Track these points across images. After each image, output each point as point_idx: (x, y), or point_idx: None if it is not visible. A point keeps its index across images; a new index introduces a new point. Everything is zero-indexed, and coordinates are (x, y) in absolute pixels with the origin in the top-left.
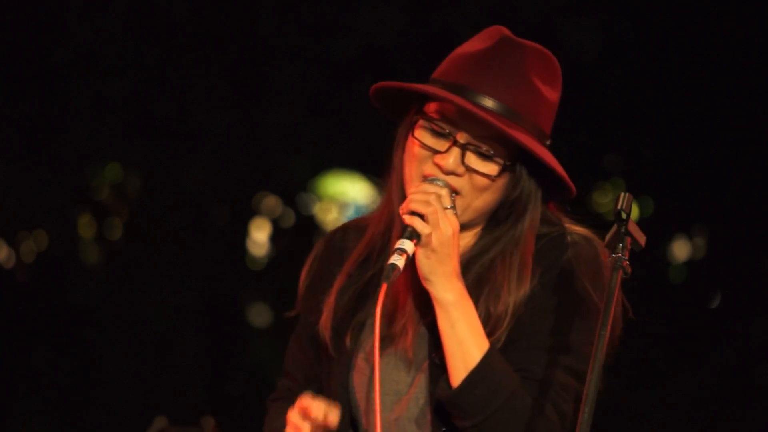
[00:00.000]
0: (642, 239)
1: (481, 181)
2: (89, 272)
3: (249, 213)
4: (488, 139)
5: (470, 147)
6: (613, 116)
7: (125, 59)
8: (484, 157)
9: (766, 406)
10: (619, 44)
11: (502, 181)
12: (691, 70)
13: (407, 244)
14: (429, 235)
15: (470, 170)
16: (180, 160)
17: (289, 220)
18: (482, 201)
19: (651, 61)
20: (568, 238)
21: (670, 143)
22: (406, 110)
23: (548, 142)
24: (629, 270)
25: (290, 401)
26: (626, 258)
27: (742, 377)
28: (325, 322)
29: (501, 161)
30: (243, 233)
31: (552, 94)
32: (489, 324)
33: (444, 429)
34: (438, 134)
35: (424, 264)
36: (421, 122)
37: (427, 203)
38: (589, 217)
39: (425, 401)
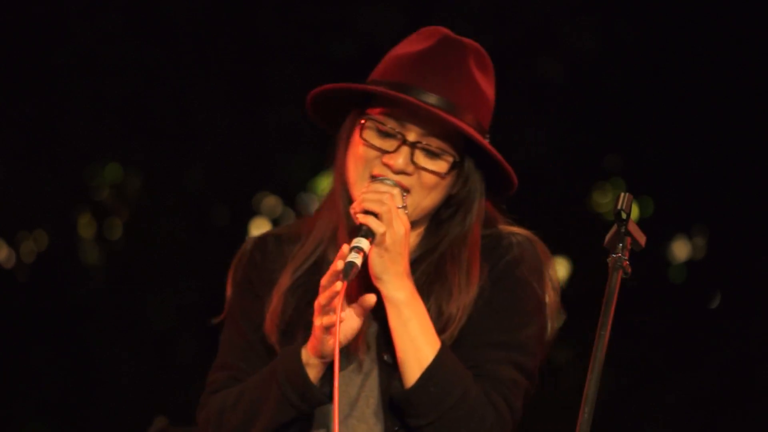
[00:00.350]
0: (642, 239)
1: (431, 179)
2: (89, 272)
3: (249, 213)
4: (436, 136)
5: (419, 145)
6: (613, 116)
7: (125, 59)
8: (433, 155)
9: (766, 406)
10: (619, 44)
11: (450, 178)
12: (691, 70)
13: (363, 243)
14: (383, 234)
15: (419, 168)
16: (180, 160)
17: (289, 220)
18: (431, 199)
19: (651, 62)
20: (513, 238)
21: (670, 143)
22: (343, 115)
23: (488, 137)
24: (629, 270)
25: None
26: (626, 258)
27: (742, 377)
28: (270, 326)
29: (449, 158)
30: (243, 233)
31: (490, 91)
32: (440, 322)
33: (397, 428)
34: (385, 134)
35: (376, 263)
36: (366, 123)
37: (381, 202)
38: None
39: (377, 401)
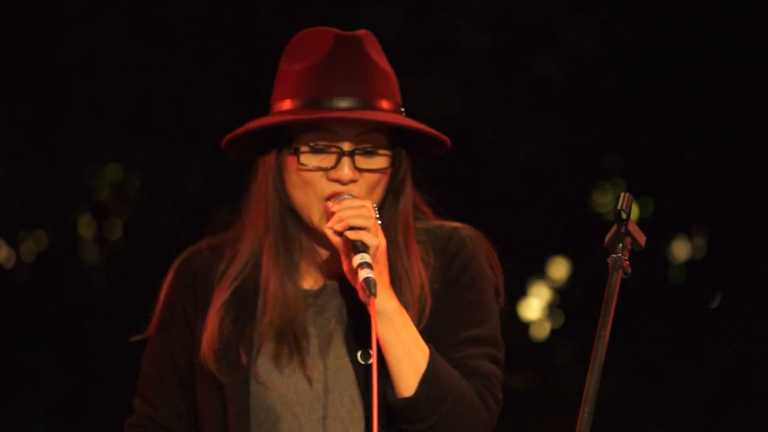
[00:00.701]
0: (642, 239)
1: (374, 177)
2: (89, 272)
3: None
4: (368, 136)
5: (357, 151)
6: (613, 116)
7: (125, 59)
8: (371, 154)
9: (766, 406)
10: (619, 44)
11: (389, 170)
12: (691, 70)
13: (366, 257)
14: (376, 247)
15: (363, 171)
16: (180, 160)
17: None
18: (378, 195)
19: (651, 62)
20: (462, 233)
21: (670, 143)
22: (261, 142)
23: (403, 111)
24: (629, 270)
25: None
26: (626, 258)
27: (742, 377)
28: (208, 352)
29: (386, 152)
30: None
31: (390, 69)
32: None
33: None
34: (320, 151)
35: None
36: (299, 149)
37: (364, 216)
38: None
39: (353, 401)
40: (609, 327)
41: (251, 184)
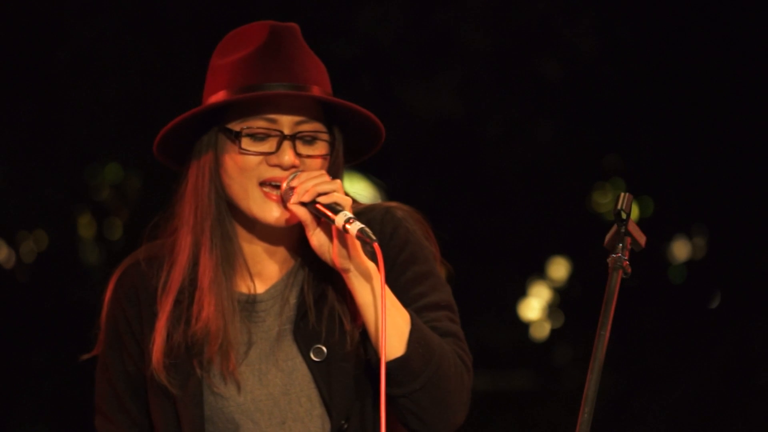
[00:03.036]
0: (642, 239)
1: (315, 163)
2: (89, 272)
3: None
4: (306, 122)
5: (297, 135)
6: (613, 116)
7: (125, 59)
8: (310, 141)
9: (766, 406)
10: (619, 44)
11: (328, 157)
12: (691, 70)
13: (349, 213)
14: (350, 205)
15: (304, 158)
16: None
17: None
18: None
19: (651, 62)
20: (396, 212)
21: (670, 143)
22: (192, 142)
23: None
24: (629, 270)
25: None
26: (626, 258)
27: (742, 377)
28: (158, 365)
29: (324, 137)
30: None
31: (320, 60)
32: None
33: (343, 422)
34: (261, 137)
35: (341, 243)
36: (240, 133)
37: (329, 181)
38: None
39: (310, 400)
40: (609, 327)
41: (182, 187)
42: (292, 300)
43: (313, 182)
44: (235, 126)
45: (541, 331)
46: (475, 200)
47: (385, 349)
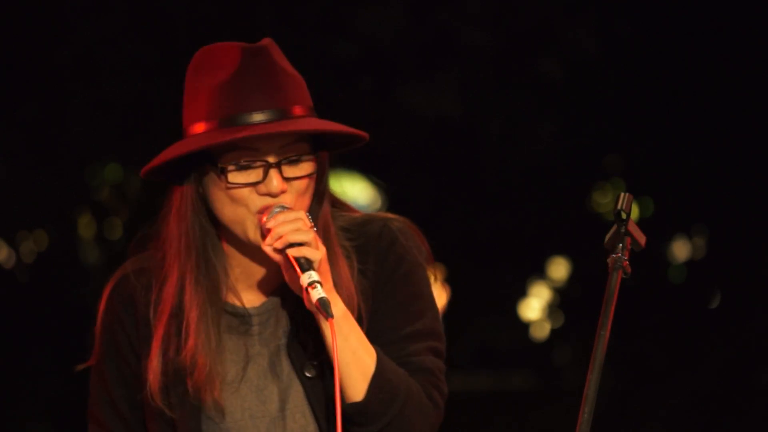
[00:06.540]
0: (642, 239)
1: (303, 184)
2: (89, 272)
3: None
4: (290, 145)
5: (282, 162)
6: (613, 116)
7: (125, 59)
8: (296, 162)
9: (766, 406)
10: (619, 44)
11: (314, 175)
12: (691, 70)
13: (314, 274)
14: (320, 261)
15: (291, 180)
16: None
17: None
18: (307, 201)
19: (651, 62)
20: (392, 225)
21: (670, 143)
22: (178, 165)
23: (314, 113)
24: (629, 270)
25: None
26: (626, 258)
27: (742, 377)
28: (154, 388)
29: (309, 157)
30: None
31: (296, 72)
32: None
33: None
34: (245, 168)
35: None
36: (225, 169)
37: (303, 230)
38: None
39: (304, 416)
40: (609, 327)
41: (166, 207)
42: (286, 314)
43: (286, 228)
44: (220, 158)
45: (541, 331)
46: (475, 200)
47: (340, 398)
